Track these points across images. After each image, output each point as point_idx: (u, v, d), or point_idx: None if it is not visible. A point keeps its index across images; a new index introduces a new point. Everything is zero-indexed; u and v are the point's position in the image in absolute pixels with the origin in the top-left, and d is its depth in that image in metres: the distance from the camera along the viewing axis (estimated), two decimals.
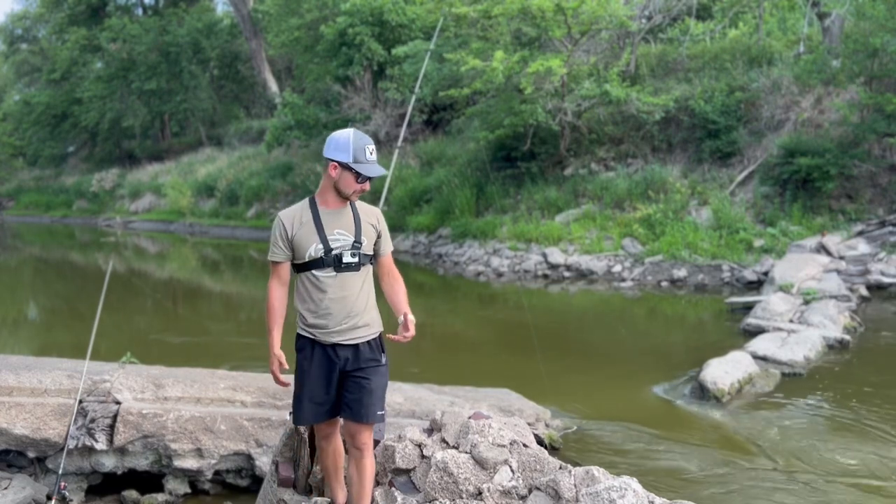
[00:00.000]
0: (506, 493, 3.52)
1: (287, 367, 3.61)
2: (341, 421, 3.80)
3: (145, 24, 36.06)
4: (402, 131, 7.84)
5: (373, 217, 3.65)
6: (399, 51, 19.56)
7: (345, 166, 3.49)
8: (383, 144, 21.77)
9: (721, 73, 16.86)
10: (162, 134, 40.32)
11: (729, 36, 19.07)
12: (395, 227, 18.46)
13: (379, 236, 3.66)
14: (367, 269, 3.64)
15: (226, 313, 13.21)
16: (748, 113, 15.92)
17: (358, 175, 3.50)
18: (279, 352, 3.60)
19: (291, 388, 3.74)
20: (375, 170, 3.52)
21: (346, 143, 3.50)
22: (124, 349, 6.22)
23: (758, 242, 13.34)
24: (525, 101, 15.47)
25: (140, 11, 40.00)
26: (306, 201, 3.62)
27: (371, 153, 3.52)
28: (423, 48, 18.55)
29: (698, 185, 15.08)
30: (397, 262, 3.86)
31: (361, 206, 3.67)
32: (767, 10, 19.52)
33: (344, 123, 22.09)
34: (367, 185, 3.55)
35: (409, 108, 8.47)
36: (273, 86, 32.83)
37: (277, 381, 3.66)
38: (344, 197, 3.56)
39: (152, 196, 31.85)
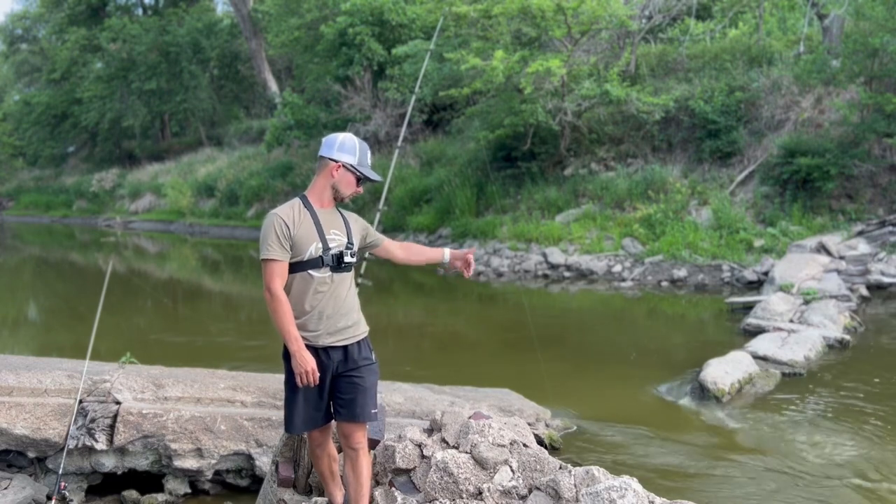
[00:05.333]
0: (506, 493, 3.52)
1: (318, 373, 3.47)
2: (333, 427, 3.81)
3: (145, 24, 36.08)
4: (402, 131, 7.82)
5: (356, 221, 3.78)
6: (399, 51, 19.56)
7: (349, 168, 3.57)
8: (383, 144, 21.78)
9: (721, 73, 16.86)
10: (162, 134, 40.35)
11: (729, 36, 19.07)
12: (396, 227, 18.46)
13: (366, 236, 3.81)
14: (353, 272, 3.74)
15: (226, 313, 13.21)
16: (748, 113, 15.92)
17: (359, 178, 3.62)
18: (311, 356, 3.44)
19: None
20: (377, 176, 3.67)
21: (353, 146, 3.59)
22: (124, 349, 6.21)
23: (758, 242, 13.34)
24: (525, 101, 15.48)
25: (140, 11, 40.04)
26: (298, 201, 3.60)
27: (370, 158, 3.69)
28: (423, 48, 18.56)
29: (698, 185, 15.08)
30: (398, 262, 3.92)
31: (345, 211, 3.77)
32: (767, 10, 19.52)
33: (344, 123, 22.10)
34: (361, 189, 3.71)
35: (409, 108, 8.44)
36: (273, 86, 32.84)
37: (313, 383, 3.46)
38: (339, 198, 3.65)
39: (152, 196, 31.87)
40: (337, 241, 3.56)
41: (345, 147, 3.57)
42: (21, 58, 45.85)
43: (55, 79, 39.67)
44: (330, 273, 3.53)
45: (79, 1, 38.31)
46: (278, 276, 3.45)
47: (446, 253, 4.03)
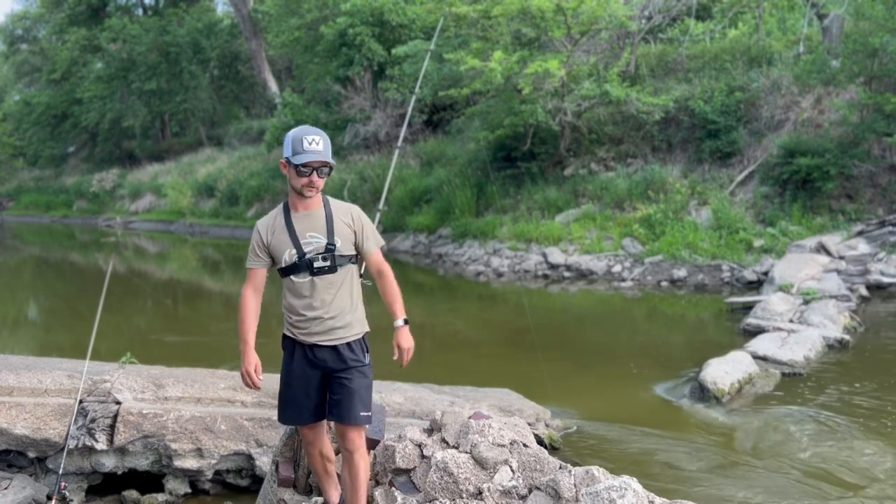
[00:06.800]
0: (506, 492, 3.52)
1: (261, 376, 3.60)
2: (330, 425, 3.81)
3: (145, 24, 36.09)
4: (402, 131, 7.83)
5: (347, 215, 3.58)
6: (399, 51, 19.57)
7: (288, 162, 3.45)
8: (383, 144, 21.80)
9: (721, 73, 16.86)
10: (162, 134, 40.36)
11: (729, 36, 19.07)
12: (395, 227, 18.47)
13: (356, 234, 3.57)
14: (348, 270, 3.58)
15: (226, 313, 13.20)
16: (748, 113, 15.92)
17: (297, 167, 3.41)
18: (254, 358, 3.56)
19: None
20: (308, 156, 3.38)
21: (288, 141, 3.46)
22: (124, 349, 6.22)
23: (758, 242, 13.34)
24: (525, 102, 15.48)
25: (140, 11, 40.04)
26: (280, 207, 3.61)
27: (311, 143, 3.39)
28: (423, 48, 18.57)
29: (698, 185, 15.08)
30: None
31: (337, 204, 3.61)
32: (767, 10, 19.52)
33: (344, 123, 22.13)
34: (315, 178, 3.44)
35: (409, 108, 8.45)
36: (273, 86, 32.85)
37: (253, 384, 3.59)
38: (298, 193, 3.49)
39: (152, 196, 31.87)
40: (314, 244, 3.49)
41: (285, 143, 3.48)
42: (21, 58, 45.85)
43: (55, 79, 39.67)
44: (309, 277, 3.50)
45: (79, 1, 38.30)
46: (249, 282, 3.64)
47: (398, 324, 3.64)
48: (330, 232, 3.51)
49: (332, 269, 3.51)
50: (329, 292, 3.52)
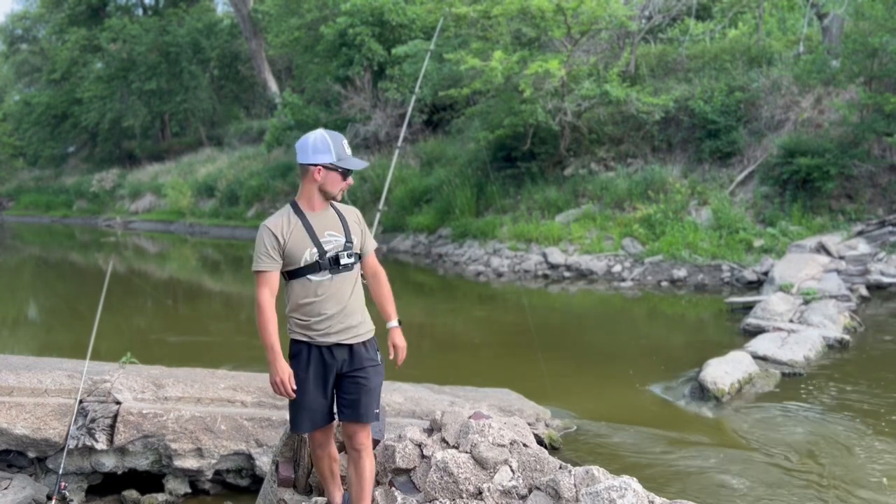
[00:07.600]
0: (506, 492, 3.52)
1: (293, 384, 3.51)
2: (336, 426, 3.81)
3: (145, 24, 36.10)
4: (402, 131, 7.85)
5: (353, 215, 3.69)
6: (399, 51, 19.57)
7: (329, 167, 3.50)
8: (383, 144, 21.79)
9: (721, 73, 16.86)
10: (162, 134, 40.37)
11: (729, 36, 19.07)
12: (396, 227, 18.46)
13: (362, 233, 3.68)
14: (358, 268, 3.66)
15: (226, 313, 13.22)
16: (748, 113, 15.92)
17: (344, 172, 3.54)
18: (287, 366, 3.49)
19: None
20: (359, 163, 3.60)
21: (326, 144, 3.49)
22: (124, 349, 6.22)
23: (758, 242, 13.34)
24: (525, 102, 15.48)
25: (140, 11, 40.05)
26: (289, 208, 3.58)
27: (347, 147, 3.56)
28: (423, 48, 18.57)
29: (698, 185, 15.08)
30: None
31: (340, 205, 3.69)
32: (767, 10, 19.52)
33: (344, 123, 22.11)
34: (351, 181, 3.63)
35: (409, 108, 8.47)
36: (273, 86, 32.86)
37: (287, 394, 3.52)
38: (330, 197, 3.57)
39: (152, 196, 31.88)
40: (333, 242, 3.53)
41: (318, 148, 3.48)
42: (21, 58, 45.86)
43: (55, 79, 39.68)
44: (329, 275, 3.51)
45: (79, 1, 38.31)
46: (266, 286, 3.49)
47: (393, 324, 3.75)
48: (346, 230, 3.59)
49: (351, 267, 3.58)
50: (346, 290, 3.55)
